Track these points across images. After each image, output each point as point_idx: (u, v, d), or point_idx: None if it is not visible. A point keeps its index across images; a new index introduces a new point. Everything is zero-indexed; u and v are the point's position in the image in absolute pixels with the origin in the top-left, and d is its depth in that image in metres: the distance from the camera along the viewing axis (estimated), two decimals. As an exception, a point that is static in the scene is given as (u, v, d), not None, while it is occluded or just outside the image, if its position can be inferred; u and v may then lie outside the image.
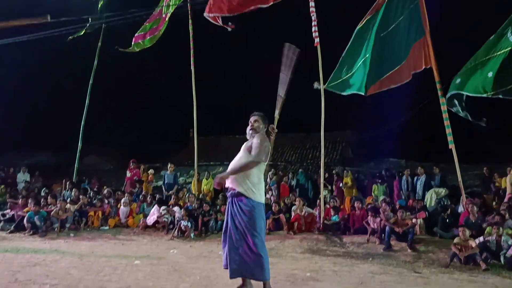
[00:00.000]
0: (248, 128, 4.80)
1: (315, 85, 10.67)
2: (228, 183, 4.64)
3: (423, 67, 9.88)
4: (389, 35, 10.33)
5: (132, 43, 14.41)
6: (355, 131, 22.40)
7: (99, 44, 15.07)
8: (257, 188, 4.57)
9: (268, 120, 4.91)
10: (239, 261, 4.43)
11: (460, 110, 9.63)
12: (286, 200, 11.85)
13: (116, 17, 14.03)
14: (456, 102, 9.69)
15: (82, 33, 14.60)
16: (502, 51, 8.58)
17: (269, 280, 4.50)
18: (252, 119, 4.84)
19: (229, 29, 12.01)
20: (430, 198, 11.21)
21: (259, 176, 4.61)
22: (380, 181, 12.66)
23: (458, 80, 9.30)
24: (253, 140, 4.66)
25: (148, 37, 14.13)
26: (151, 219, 11.01)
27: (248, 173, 4.52)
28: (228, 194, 4.64)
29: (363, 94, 10.40)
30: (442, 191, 11.24)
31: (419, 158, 18.07)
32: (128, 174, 14.06)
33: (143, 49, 14.50)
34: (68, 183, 13.77)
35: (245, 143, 4.80)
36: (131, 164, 14.18)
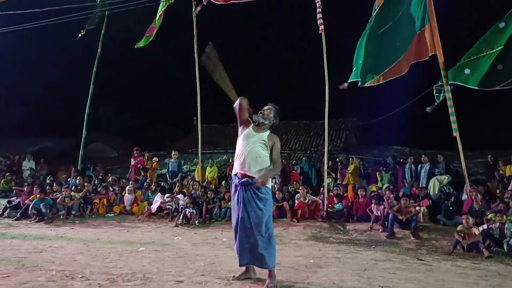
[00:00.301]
0: (259, 112, 4.75)
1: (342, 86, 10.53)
2: (240, 171, 4.61)
3: (429, 55, 9.78)
4: (390, 29, 10.22)
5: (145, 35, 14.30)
6: (359, 118, 22.31)
7: (103, 31, 15.02)
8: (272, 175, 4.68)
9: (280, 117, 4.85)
10: (249, 249, 4.46)
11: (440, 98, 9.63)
12: (290, 188, 11.88)
13: (119, 5, 14.01)
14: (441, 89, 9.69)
15: (84, 32, 14.63)
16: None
17: (274, 267, 4.53)
18: (266, 106, 4.82)
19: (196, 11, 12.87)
20: (434, 186, 11.21)
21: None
22: (384, 168, 12.66)
23: (468, 71, 9.16)
24: (275, 141, 4.63)
25: (147, 34, 14.09)
26: (154, 207, 11.09)
27: (266, 161, 4.56)
28: (241, 182, 4.56)
29: (359, 81, 10.35)
30: (445, 178, 11.23)
31: (423, 145, 18.00)
32: (133, 161, 14.12)
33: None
34: (73, 170, 13.85)
35: (252, 130, 4.67)
36: (135, 152, 14.24)
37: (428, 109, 10.01)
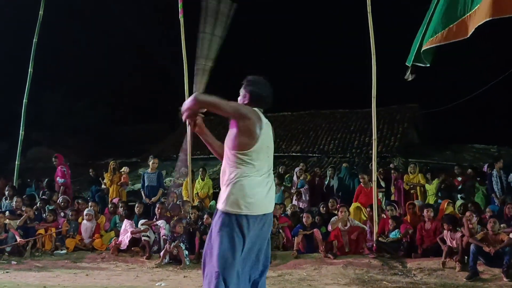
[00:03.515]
0: None
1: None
2: None
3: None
4: None
5: None
6: (422, 105, 22.20)
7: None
8: (232, 192, 4.31)
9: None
10: None
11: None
12: (322, 208, 11.81)
13: None
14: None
15: None
16: None
17: None
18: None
19: None
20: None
21: (243, 173, 4.33)
22: (478, 179, 12.60)
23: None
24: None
25: None
26: (124, 238, 11.09)
27: (228, 171, 4.40)
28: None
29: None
30: None
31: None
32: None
33: None
34: (6, 187, 13.88)
35: None
36: (53, 161, 14.22)
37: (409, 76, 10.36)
